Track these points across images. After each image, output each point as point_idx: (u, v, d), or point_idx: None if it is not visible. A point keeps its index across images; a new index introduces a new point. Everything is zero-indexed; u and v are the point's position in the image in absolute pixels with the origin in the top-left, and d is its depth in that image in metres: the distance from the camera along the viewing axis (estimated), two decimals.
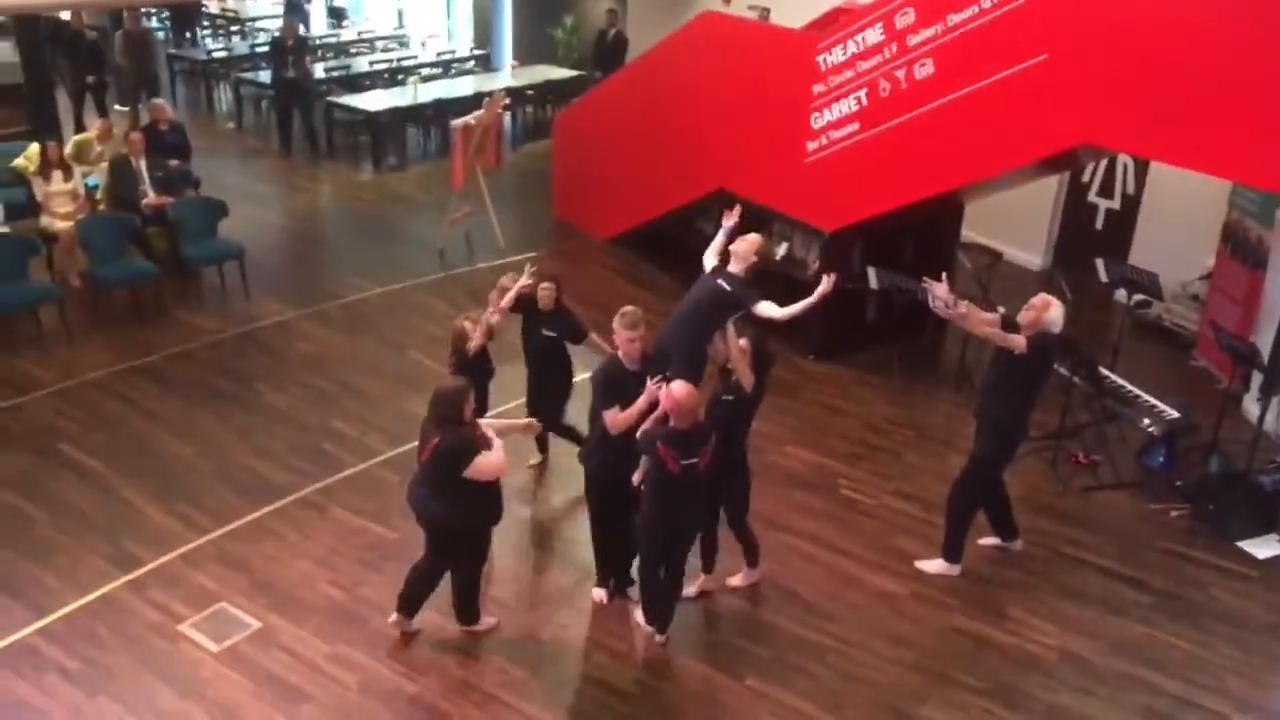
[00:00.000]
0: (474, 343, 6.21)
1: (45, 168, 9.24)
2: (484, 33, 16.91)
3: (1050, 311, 5.78)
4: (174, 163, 10.17)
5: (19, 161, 9.70)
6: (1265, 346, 7.49)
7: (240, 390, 7.93)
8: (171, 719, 5.08)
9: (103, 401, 7.68)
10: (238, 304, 9.30)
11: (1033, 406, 6.03)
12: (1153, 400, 7.41)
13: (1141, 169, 9.98)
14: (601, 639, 5.72)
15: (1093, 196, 10.55)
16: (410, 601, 5.55)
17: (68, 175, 9.35)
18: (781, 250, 9.05)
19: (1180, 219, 9.30)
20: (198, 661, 5.39)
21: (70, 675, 5.28)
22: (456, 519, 5.21)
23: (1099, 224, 10.51)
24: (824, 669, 5.57)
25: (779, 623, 5.88)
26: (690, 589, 5.90)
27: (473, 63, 16.19)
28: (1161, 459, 7.31)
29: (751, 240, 5.94)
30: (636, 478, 5.37)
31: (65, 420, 7.45)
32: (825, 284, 5.75)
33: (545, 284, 6.55)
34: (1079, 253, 9.96)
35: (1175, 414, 7.27)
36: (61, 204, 9.23)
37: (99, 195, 9.71)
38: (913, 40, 7.51)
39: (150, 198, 9.48)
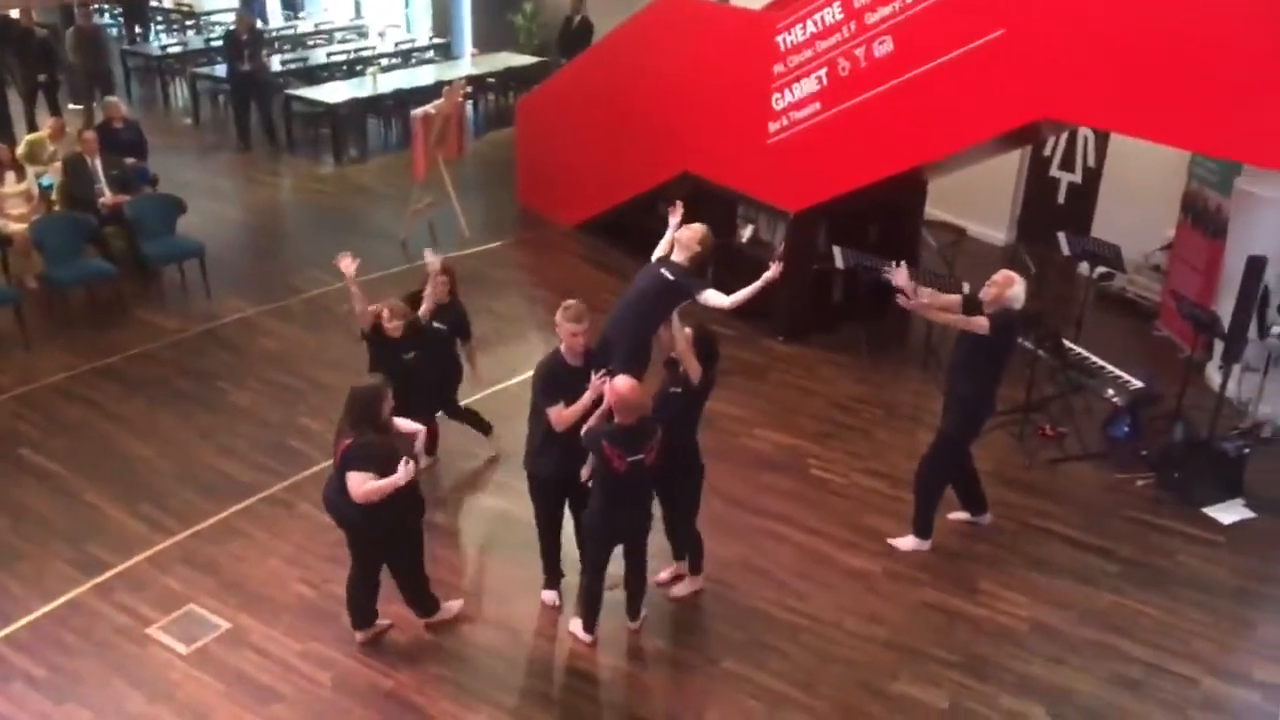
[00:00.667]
0: (361, 318, 6.11)
1: None
2: (443, 21, 16.79)
3: (1012, 288, 5.81)
4: (130, 161, 10.02)
5: None
6: (1226, 315, 7.56)
7: (203, 389, 7.84)
8: None
9: (63, 405, 7.57)
10: (198, 302, 9.19)
11: (999, 383, 6.05)
12: (1117, 371, 7.48)
13: (1102, 142, 10.05)
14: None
15: (1054, 171, 10.61)
16: (360, 613, 5.43)
17: (20, 176, 9.19)
18: (747, 233, 9.05)
19: (1141, 191, 9.38)
20: (167, 664, 5.33)
21: (37, 683, 5.20)
22: (374, 521, 5.04)
23: (1061, 198, 10.58)
24: (798, 648, 5.59)
25: (752, 604, 5.89)
26: (664, 573, 5.91)
27: (432, 52, 16.05)
28: (1126, 429, 7.39)
29: (695, 229, 5.75)
30: (585, 473, 5.26)
31: (25, 425, 7.33)
32: (773, 270, 5.57)
33: (441, 276, 6.40)
34: (1042, 227, 10.03)
35: (1139, 384, 7.35)
36: (15, 205, 9.07)
37: (54, 195, 9.56)
38: (870, 18, 7.51)
39: (106, 197, 9.34)
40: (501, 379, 7.71)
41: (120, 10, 17.85)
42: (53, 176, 9.63)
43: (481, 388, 7.26)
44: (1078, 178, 10.41)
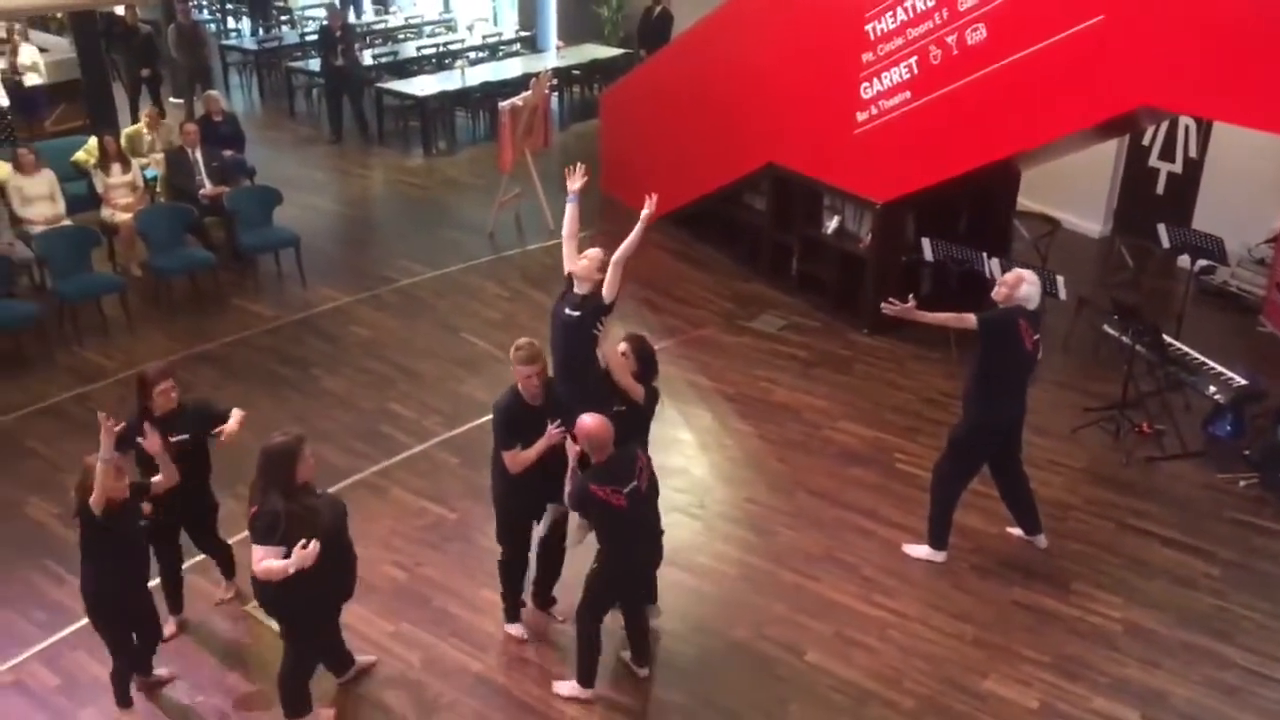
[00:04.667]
0: (111, 494, 4.66)
1: (105, 161, 9.44)
2: (529, 14, 16.92)
3: (1022, 288, 5.64)
4: (228, 153, 10.32)
5: (79, 155, 9.91)
6: None
7: (298, 375, 8.04)
8: (238, 695, 5.21)
9: None
10: (294, 291, 9.43)
11: (1009, 390, 5.74)
12: (1219, 367, 7.23)
13: (1204, 130, 9.71)
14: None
15: (1153, 160, 10.28)
16: (295, 705, 4.91)
17: (126, 168, 9.53)
18: (833, 224, 8.96)
19: (1245, 181, 9.05)
20: (266, 644, 5.47)
21: None
22: (295, 596, 4.55)
23: (1160, 188, 10.25)
24: (884, 644, 5.54)
25: (837, 598, 5.86)
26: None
27: (519, 44, 16.20)
28: (1229, 427, 7.14)
29: (592, 258, 5.48)
30: (542, 530, 5.29)
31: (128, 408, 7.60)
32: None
33: (161, 384, 5.26)
34: (1140, 219, 9.72)
35: (1243, 381, 7.09)
36: (121, 196, 9.42)
37: (158, 187, 9.90)
38: (963, 5, 7.36)
39: (206, 188, 9.63)
40: None
41: (245, 7, 18.46)
42: (157, 169, 9.97)
43: None
44: (1178, 168, 10.08)
